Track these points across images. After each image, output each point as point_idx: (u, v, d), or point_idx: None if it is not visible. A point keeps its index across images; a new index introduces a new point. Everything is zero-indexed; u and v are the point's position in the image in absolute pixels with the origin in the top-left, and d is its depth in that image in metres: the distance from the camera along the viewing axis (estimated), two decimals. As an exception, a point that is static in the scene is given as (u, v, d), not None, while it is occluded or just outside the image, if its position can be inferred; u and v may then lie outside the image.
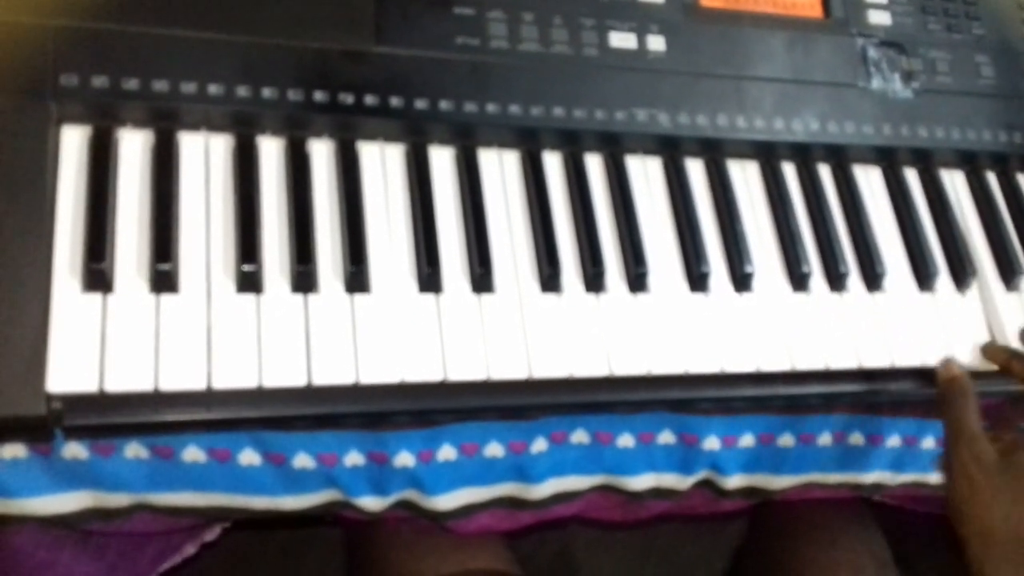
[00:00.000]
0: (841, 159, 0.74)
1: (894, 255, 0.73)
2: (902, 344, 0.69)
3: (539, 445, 0.69)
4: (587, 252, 0.64)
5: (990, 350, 0.71)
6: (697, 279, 0.66)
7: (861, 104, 0.74)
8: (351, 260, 0.58)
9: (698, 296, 0.66)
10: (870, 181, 0.75)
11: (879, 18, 0.77)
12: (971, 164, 0.78)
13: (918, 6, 0.78)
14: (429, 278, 0.60)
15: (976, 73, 0.79)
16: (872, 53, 0.76)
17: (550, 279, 0.62)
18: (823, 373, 0.67)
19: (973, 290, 0.73)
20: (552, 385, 0.61)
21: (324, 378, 0.55)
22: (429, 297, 0.60)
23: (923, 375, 0.69)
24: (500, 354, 0.60)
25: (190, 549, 0.75)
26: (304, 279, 0.57)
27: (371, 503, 0.66)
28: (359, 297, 0.58)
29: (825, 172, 0.74)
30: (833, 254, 0.70)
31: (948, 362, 0.68)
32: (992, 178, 0.79)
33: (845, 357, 0.67)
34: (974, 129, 0.77)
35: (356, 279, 0.58)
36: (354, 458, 0.64)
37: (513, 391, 0.61)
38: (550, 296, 0.63)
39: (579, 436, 0.71)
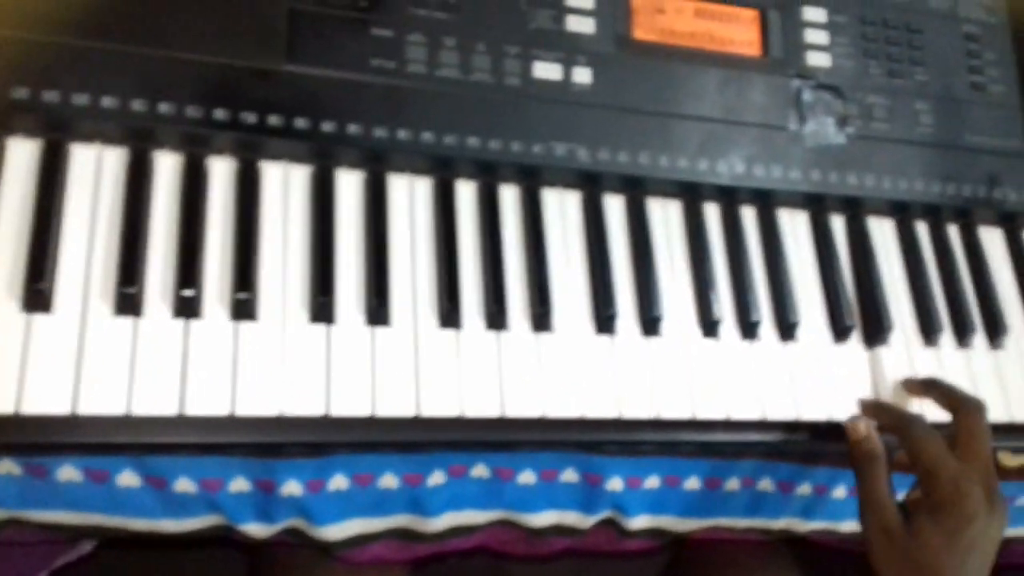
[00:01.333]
0: (767, 203, 0.73)
1: (812, 304, 0.71)
2: (811, 397, 0.68)
3: (436, 478, 0.68)
4: (490, 289, 0.63)
5: (865, 405, 0.69)
6: (604, 320, 0.65)
7: (790, 148, 0.72)
8: (238, 286, 0.56)
9: (603, 338, 0.65)
10: (795, 226, 0.74)
11: (819, 60, 0.75)
12: (902, 214, 0.77)
13: (860, 49, 0.77)
14: (321, 308, 0.58)
15: (915, 121, 0.77)
16: (807, 96, 0.74)
17: (449, 314, 0.61)
18: (726, 423, 0.66)
19: (892, 345, 0.72)
20: (443, 424, 0.60)
21: (197, 408, 0.54)
22: (319, 328, 0.58)
23: (832, 429, 0.68)
24: (391, 390, 0.59)
25: (87, 547, 0.73)
26: (186, 305, 0.55)
27: (256, 530, 0.65)
28: (245, 325, 0.57)
29: (750, 215, 0.73)
30: (746, 302, 0.69)
31: (855, 422, 0.67)
32: (923, 229, 0.78)
33: (749, 407, 0.66)
34: (907, 178, 0.76)
35: (242, 306, 0.56)
36: (240, 484, 0.63)
37: (403, 428, 0.60)
38: (449, 332, 0.61)
39: (479, 470, 0.69)
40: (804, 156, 0.73)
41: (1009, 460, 0.85)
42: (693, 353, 0.66)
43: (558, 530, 0.74)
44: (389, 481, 0.67)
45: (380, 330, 0.60)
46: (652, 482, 0.72)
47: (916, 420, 0.65)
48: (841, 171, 0.74)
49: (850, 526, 0.79)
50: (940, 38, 0.80)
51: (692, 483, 0.74)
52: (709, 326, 0.67)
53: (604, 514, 0.74)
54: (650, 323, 0.66)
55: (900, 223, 0.77)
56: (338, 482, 0.65)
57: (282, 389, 0.56)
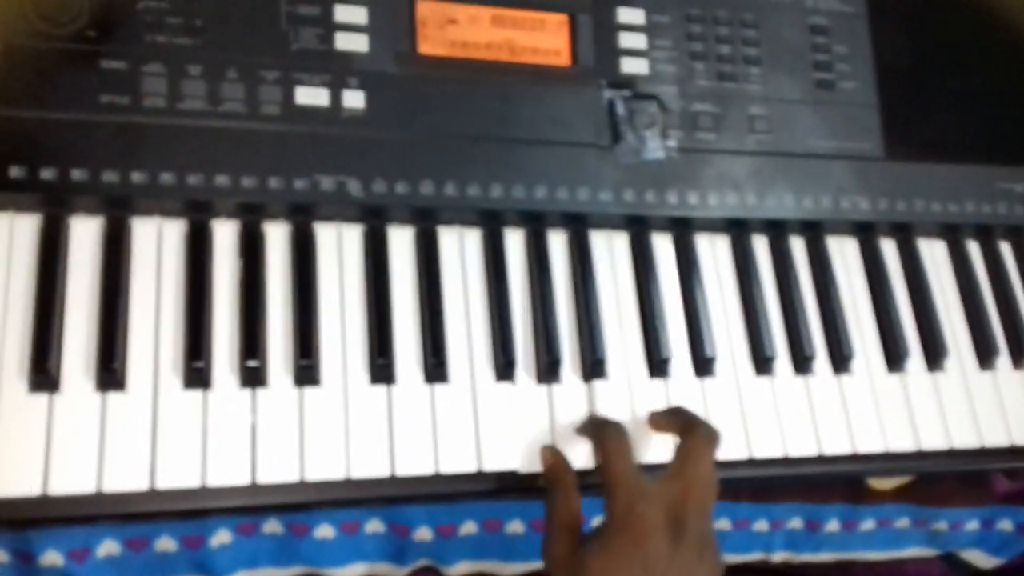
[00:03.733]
0: (578, 227, 0.67)
1: (625, 330, 0.66)
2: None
3: (220, 537, 0.64)
4: (244, 337, 0.57)
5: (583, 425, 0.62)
6: (380, 370, 0.59)
7: (600, 167, 0.66)
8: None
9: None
10: (612, 249, 0.68)
11: (634, 66, 0.69)
12: (737, 230, 0.71)
13: (684, 51, 0.70)
14: (42, 378, 0.53)
15: (749, 128, 0.71)
16: (620, 108, 0.68)
17: (194, 373, 0.56)
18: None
19: (722, 375, 0.67)
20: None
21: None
22: (41, 397, 0.53)
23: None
24: (173, 462, 0.54)
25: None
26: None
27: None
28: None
29: (558, 241, 0.67)
30: (550, 342, 0.63)
31: (544, 448, 0.60)
32: (762, 245, 0.72)
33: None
34: (738, 193, 0.69)
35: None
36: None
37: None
38: (196, 391, 0.56)
39: (272, 527, 0.65)
40: (615, 175, 0.67)
41: (880, 484, 0.80)
42: (491, 396, 0.61)
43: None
44: (166, 544, 0.63)
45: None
46: (468, 527, 0.68)
47: (612, 431, 0.58)
48: (660, 190, 0.67)
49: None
50: (780, 33, 0.73)
51: (515, 526, 0.69)
52: (503, 369, 0.62)
53: (420, 563, 0.69)
54: (433, 369, 0.60)
55: (736, 241, 0.71)
56: (108, 547, 0.62)
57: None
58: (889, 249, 0.75)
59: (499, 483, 0.58)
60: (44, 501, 0.52)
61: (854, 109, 0.74)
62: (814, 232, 0.73)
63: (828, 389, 0.68)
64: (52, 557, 0.60)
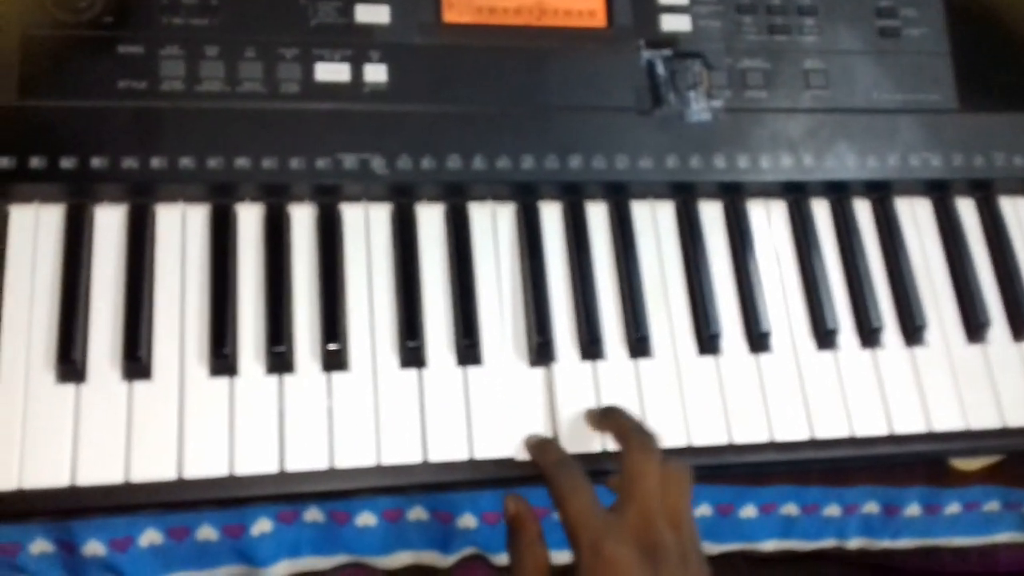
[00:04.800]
0: (618, 197, 0.63)
1: (672, 305, 0.62)
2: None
3: (261, 526, 0.63)
4: (269, 323, 0.56)
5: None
6: (410, 353, 0.57)
7: (639, 133, 0.62)
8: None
9: (409, 372, 0.57)
10: (656, 219, 0.64)
11: (675, 24, 0.65)
12: (794, 194, 0.66)
13: (730, 4, 0.66)
14: (68, 368, 0.53)
15: (804, 84, 0.66)
16: (660, 69, 0.64)
17: (220, 361, 0.55)
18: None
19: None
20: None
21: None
22: (69, 388, 0.53)
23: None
24: (200, 451, 0.53)
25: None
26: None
27: (72, 590, 0.62)
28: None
29: (597, 213, 0.63)
30: (590, 320, 0.59)
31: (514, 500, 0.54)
32: (823, 209, 0.67)
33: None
34: (793, 154, 0.64)
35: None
36: (41, 546, 0.60)
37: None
38: (222, 379, 0.55)
39: (313, 515, 0.64)
40: (658, 140, 0.62)
41: (965, 465, 0.74)
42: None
43: (418, 570, 0.68)
44: (207, 533, 0.63)
45: (138, 384, 0.54)
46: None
47: (564, 470, 0.52)
48: (706, 153, 0.63)
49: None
50: (838, -21, 0.68)
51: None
52: (537, 352, 0.59)
53: (466, 551, 0.67)
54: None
55: (793, 206, 0.66)
56: (151, 537, 0.62)
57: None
58: (966, 208, 0.68)
59: (533, 469, 0.55)
60: (72, 492, 0.51)
61: (923, 58, 0.68)
62: (881, 193, 0.67)
63: (899, 363, 0.63)
64: (94, 547, 0.60)
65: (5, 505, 0.50)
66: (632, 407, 0.58)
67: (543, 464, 0.53)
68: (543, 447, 0.55)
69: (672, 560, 0.47)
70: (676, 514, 0.49)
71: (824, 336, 0.62)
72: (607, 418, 0.55)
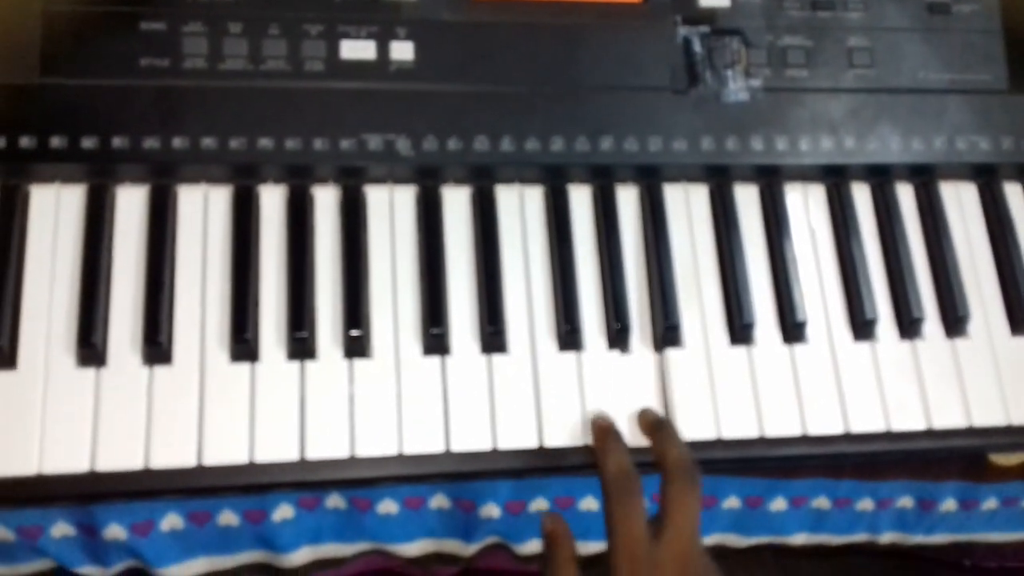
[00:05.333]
0: (650, 181, 0.61)
1: (704, 292, 0.60)
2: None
3: (283, 512, 0.62)
4: (291, 308, 0.55)
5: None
6: (433, 340, 0.56)
7: (674, 113, 0.60)
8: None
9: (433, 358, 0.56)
10: (689, 204, 0.62)
11: (714, -1, 0.62)
12: (834, 178, 0.63)
13: (771, -20, 0.63)
14: (88, 352, 0.52)
15: (848, 63, 0.63)
16: (697, 46, 0.61)
17: (241, 346, 0.54)
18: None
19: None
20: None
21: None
22: (89, 372, 0.52)
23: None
24: (221, 438, 0.52)
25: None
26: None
27: (95, 572, 0.62)
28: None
29: (628, 196, 0.61)
30: (618, 306, 0.58)
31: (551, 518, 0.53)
32: (864, 194, 0.64)
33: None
34: (834, 136, 0.62)
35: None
36: (62, 529, 0.60)
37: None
38: (243, 365, 0.54)
39: (334, 501, 0.63)
40: (693, 121, 0.60)
41: (1004, 460, 0.72)
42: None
43: (439, 558, 0.67)
44: (228, 518, 0.62)
45: (159, 368, 0.53)
46: (539, 503, 0.64)
47: (623, 482, 0.50)
48: (743, 135, 0.61)
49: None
50: (885, -47, 0.65)
51: (587, 503, 0.65)
52: (566, 338, 0.57)
53: (488, 540, 0.67)
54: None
55: (833, 190, 0.63)
56: (172, 521, 0.62)
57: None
58: (1014, 194, 0.65)
59: (558, 460, 0.54)
60: (92, 477, 0.51)
61: (973, 36, 0.65)
62: (925, 177, 0.65)
63: (939, 355, 0.61)
64: (115, 531, 0.60)
65: (25, 490, 0.50)
66: (660, 397, 0.57)
67: (603, 467, 0.52)
68: (608, 446, 0.52)
69: None
70: (699, 548, 0.50)
71: (862, 327, 0.60)
72: (657, 436, 0.53)
